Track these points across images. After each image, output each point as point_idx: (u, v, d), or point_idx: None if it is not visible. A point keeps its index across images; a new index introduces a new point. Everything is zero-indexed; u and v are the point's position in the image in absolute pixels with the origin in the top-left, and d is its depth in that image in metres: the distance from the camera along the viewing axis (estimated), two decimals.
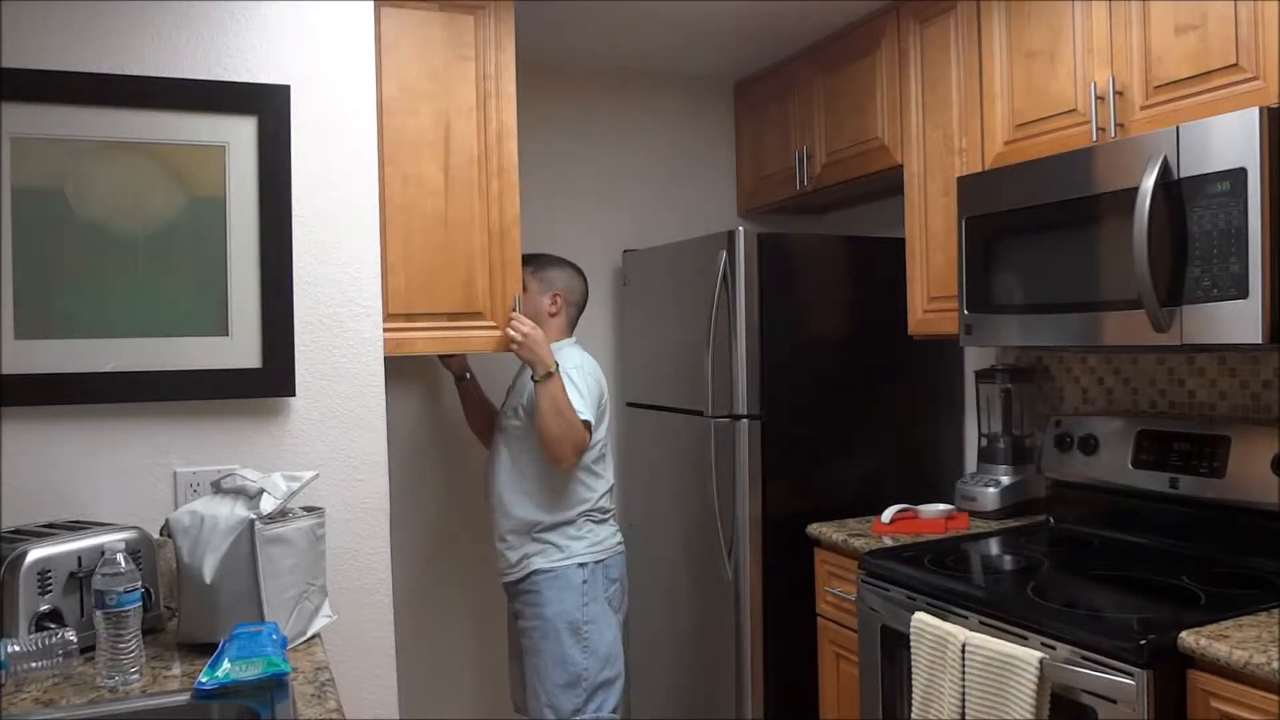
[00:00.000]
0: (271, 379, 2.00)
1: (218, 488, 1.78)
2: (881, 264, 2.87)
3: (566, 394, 2.39)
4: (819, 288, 2.85)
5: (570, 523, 2.50)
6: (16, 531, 1.72)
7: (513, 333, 2.38)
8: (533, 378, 2.40)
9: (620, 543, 2.61)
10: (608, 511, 2.59)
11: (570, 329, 2.67)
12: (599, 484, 2.56)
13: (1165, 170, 1.88)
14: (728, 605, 2.77)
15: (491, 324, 2.39)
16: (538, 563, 2.48)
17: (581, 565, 2.48)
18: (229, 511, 1.69)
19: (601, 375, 2.59)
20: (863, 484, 2.85)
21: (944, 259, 2.58)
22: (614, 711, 2.50)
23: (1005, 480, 2.67)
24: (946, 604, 2.05)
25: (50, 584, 1.62)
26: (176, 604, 1.72)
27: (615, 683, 2.50)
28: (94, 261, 1.89)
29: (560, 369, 2.42)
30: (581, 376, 2.48)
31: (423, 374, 3.06)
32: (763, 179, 3.43)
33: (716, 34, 3.04)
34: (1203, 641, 1.62)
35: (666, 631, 3.13)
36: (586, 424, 2.43)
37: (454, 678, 3.12)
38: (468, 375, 2.82)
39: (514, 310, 2.41)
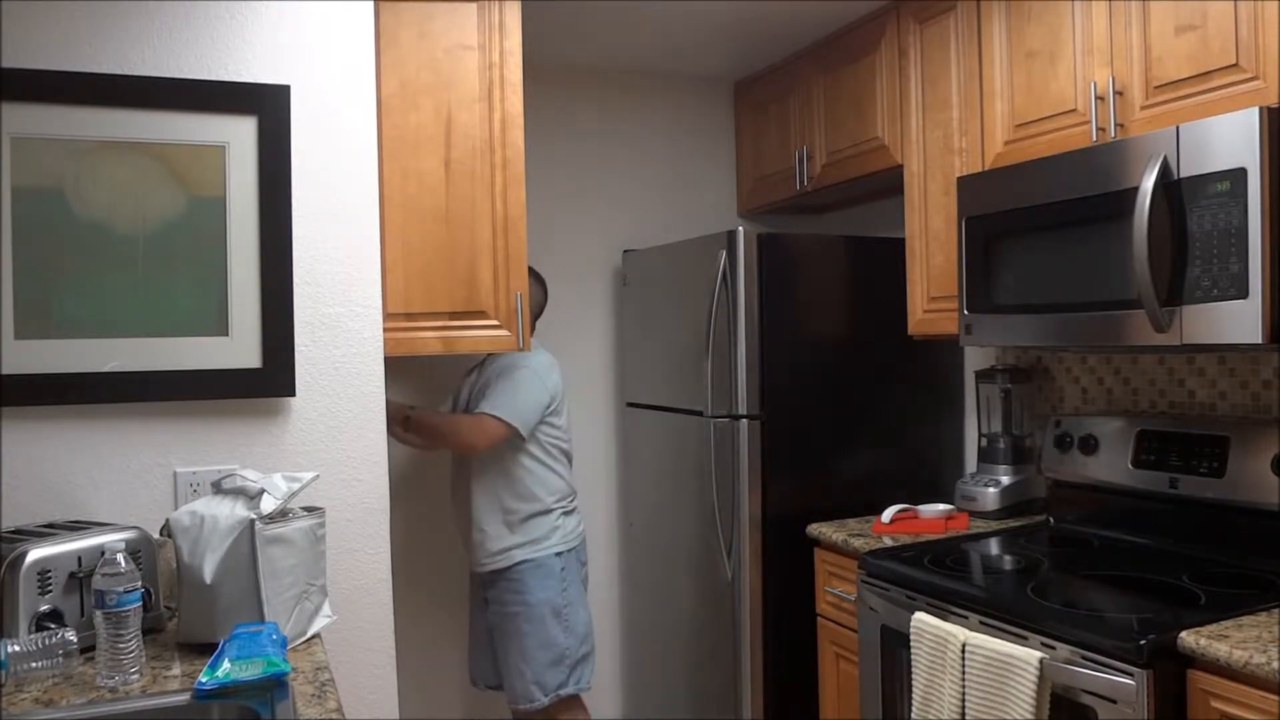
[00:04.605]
0: (271, 379, 2.00)
1: (218, 488, 1.77)
2: (881, 264, 2.87)
3: (429, 424, 2.66)
4: (819, 288, 2.85)
5: (549, 511, 2.70)
6: (16, 531, 1.72)
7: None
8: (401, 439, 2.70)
9: (583, 530, 2.82)
10: (574, 502, 2.80)
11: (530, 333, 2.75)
12: (566, 473, 2.77)
13: (1165, 170, 1.88)
14: (728, 605, 2.77)
15: (495, 322, 2.34)
16: (520, 554, 2.66)
17: (558, 554, 2.69)
18: (229, 511, 1.68)
19: (556, 377, 2.73)
20: (863, 484, 2.85)
21: (944, 259, 2.58)
22: (589, 681, 2.75)
23: (1005, 480, 2.67)
24: (946, 604, 2.05)
25: (50, 584, 1.62)
26: (176, 604, 1.72)
27: (590, 656, 2.75)
28: (94, 261, 1.89)
29: (527, 368, 2.66)
30: (526, 377, 2.65)
31: (423, 374, 3.06)
32: (763, 179, 3.42)
33: (716, 34, 3.04)
34: (1203, 641, 1.62)
35: (666, 631, 3.13)
36: (498, 420, 2.59)
37: (453, 677, 3.12)
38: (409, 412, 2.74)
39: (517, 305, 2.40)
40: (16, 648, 1.51)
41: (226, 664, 1.46)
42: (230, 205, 1.98)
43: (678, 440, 3.03)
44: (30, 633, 1.57)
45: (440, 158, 2.31)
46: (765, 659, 2.73)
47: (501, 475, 2.68)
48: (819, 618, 2.62)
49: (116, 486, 1.91)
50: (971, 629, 1.94)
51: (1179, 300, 1.87)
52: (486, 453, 2.66)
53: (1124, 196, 1.95)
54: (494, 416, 2.59)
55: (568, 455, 2.78)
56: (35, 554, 1.61)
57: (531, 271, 2.77)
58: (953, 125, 2.54)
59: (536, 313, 2.87)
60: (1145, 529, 2.32)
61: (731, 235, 2.73)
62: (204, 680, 1.44)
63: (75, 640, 1.56)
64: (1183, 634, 1.65)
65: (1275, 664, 1.51)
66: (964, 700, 1.90)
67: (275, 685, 1.46)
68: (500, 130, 2.34)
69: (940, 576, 2.13)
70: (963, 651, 1.91)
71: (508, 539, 2.66)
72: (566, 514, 2.74)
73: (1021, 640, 1.84)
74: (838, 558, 2.55)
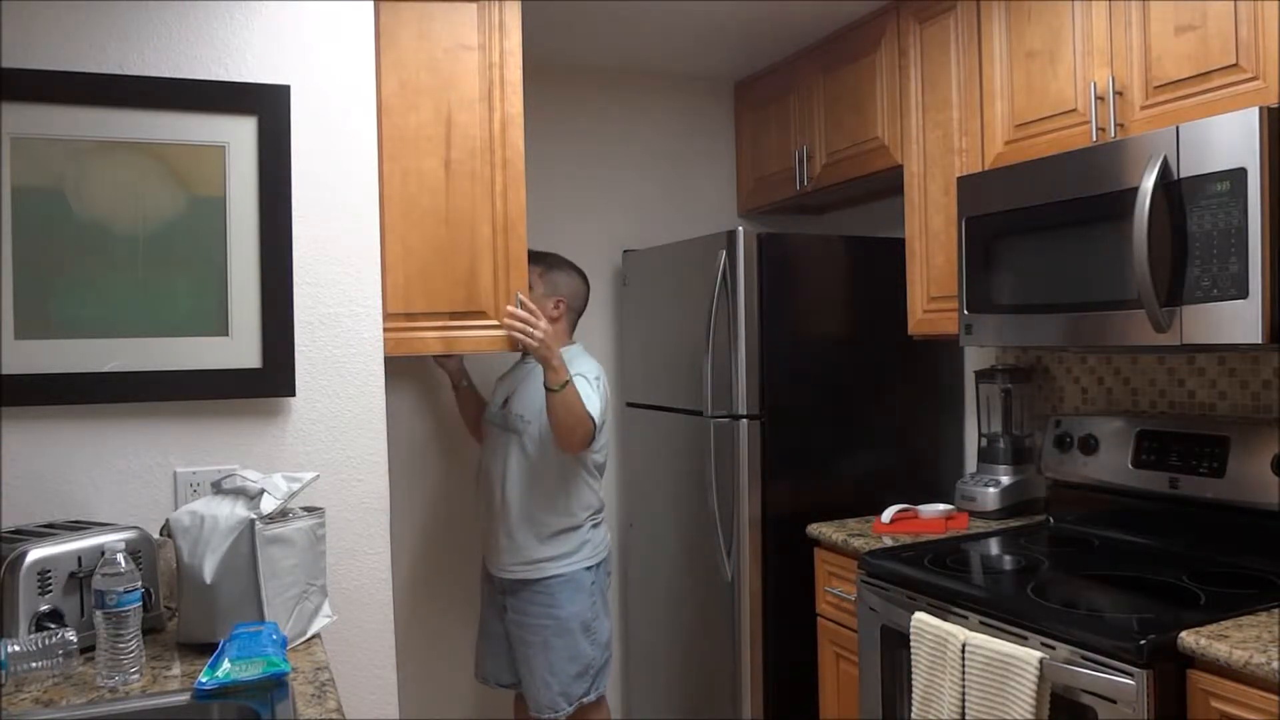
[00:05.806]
0: (271, 379, 2.00)
1: (218, 488, 1.78)
2: (881, 264, 2.87)
3: (578, 394, 2.45)
4: (819, 288, 2.85)
5: (579, 526, 2.65)
6: (16, 531, 1.72)
7: (534, 331, 2.33)
8: (548, 386, 2.41)
9: (609, 540, 2.77)
10: (602, 514, 2.74)
11: (571, 333, 2.75)
12: (600, 488, 2.71)
13: (1165, 170, 1.88)
14: (727, 605, 2.77)
15: (495, 323, 2.34)
16: (553, 568, 2.61)
17: (589, 569, 2.65)
18: (229, 511, 1.69)
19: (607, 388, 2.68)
20: (863, 484, 2.85)
21: (944, 259, 2.58)
22: (606, 684, 2.76)
23: (1005, 480, 2.67)
24: (946, 604, 2.05)
25: (50, 584, 1.62)
26: (176, 604, 1.72)
27: (610, 660, 2.75)
28: (94, 261, 1.89)
29: (583, 377, 2.52)
30: (602, 384, 2.59)
31: (421, 374, 3.06)
32: (763, 179, 3.42)
33: (716, 34, 3.04)
34: (1203, 641, 1.62)
35: (666, 631, 3.13)
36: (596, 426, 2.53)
37: (452, 676, 3.12)
38: (465, 383, 2.88)
39: (519, 300, 2.36)
40: (16, 648, 1.51)
41: (226, 664, 1.46)
42: (230, 205, 1.98)
43: (677, 440, 3.02)
44: (30, 633, 1.57)
45: (440, 158, 2.30)
46: (765, 659, 2.73)
47: (539, 485, 2.60)
48: (819, 618, 2.62)
49: (116, 486, 1.92)
50: (971, 629, 1.94)
51: (1179, 300, 1.87)
52: (526, 460, 2.60)
53: (1124, 196, 1.95)
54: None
55: (602, 469, 2.72)
56: (35, 554, 1.61)
57: (572, 266, 2.76)
58: (953, 125, 2.54)
59: (580, 309, 2.78)
60: (1145, 529, 2.32)
61: (731, 235, 2.73)
62: (204, 680, 1.44)
63: (75, 640, 1.56)
64: (1183, 634, 1.65)
65: (1275, 664, 1.51)
66: (964, 700, 1.90)
67: (275, 685, 1.46)
68: (500, 130, 2.34)
69: (940, 576, 2.13)
70: (963, 651, 1.91)
71: (537, 551, 2.60)
72: (595, 527, 2.69)
73: (1021, 640, 1.84)
74: (838, 558, 2.55)
